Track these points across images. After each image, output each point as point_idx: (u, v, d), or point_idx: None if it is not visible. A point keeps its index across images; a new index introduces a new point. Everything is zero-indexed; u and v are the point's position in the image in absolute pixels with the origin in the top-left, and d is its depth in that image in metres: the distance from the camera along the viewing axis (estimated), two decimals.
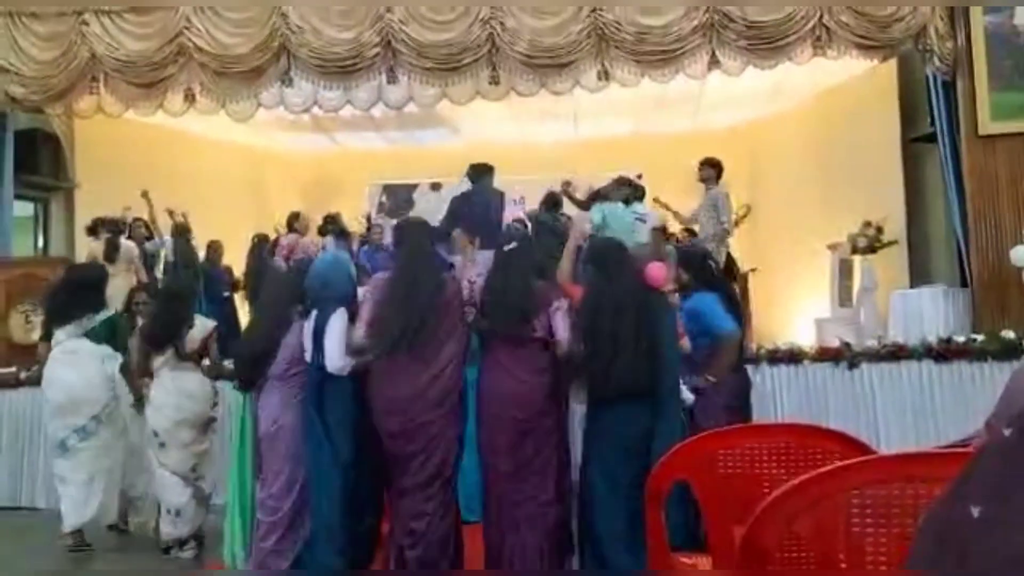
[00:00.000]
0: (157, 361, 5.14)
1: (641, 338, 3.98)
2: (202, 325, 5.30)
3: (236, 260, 9.42)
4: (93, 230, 8.52)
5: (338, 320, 4.09)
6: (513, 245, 4.29)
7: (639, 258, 4.80)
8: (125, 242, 8.52)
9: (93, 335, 5.36)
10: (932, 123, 7.68)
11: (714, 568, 2.48)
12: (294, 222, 9.27)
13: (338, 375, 4.04)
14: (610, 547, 3.80)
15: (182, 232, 9.09)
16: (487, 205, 7.63)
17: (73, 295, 5.46)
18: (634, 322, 4.01)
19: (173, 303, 5.37)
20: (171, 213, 9.07)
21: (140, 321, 5.71)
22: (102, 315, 5.43)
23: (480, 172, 7.91)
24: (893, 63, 8.21)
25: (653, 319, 4.09)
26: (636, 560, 3.47)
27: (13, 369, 7.11)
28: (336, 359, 4.03)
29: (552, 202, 8.02)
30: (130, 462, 5.47)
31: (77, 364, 5.28)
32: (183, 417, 5.06)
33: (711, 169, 8.00)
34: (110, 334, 5.42)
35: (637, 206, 7.52)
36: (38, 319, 7.54)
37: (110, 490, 5.33)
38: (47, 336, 5.50)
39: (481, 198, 7.70)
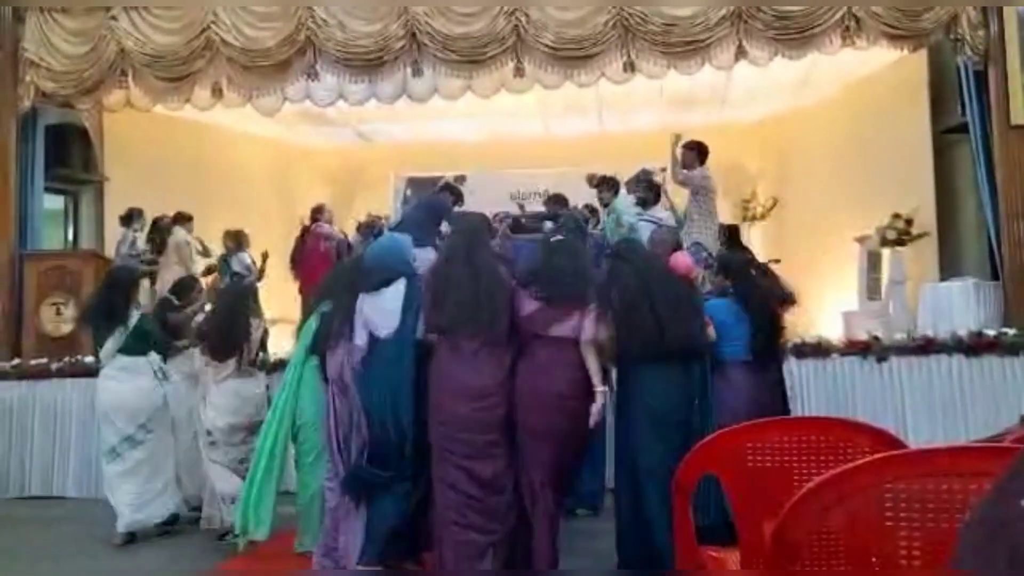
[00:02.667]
0: (220, 372, 5.21)
1: (675, 300, 3.98)
2: (256, 328, 5.35)
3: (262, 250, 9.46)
4: (127, 219, 8.65)
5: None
6: (559, 238, 4.24)
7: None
8: (176, 231, 8.68)
9: (132, 346, 5.44)
10: (963, 114, 7.57)
11: (743, 562, 2.46)
12: (318, 214, 9.30)
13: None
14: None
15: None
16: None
17: (109, 301, 5.53)
18: (666, 288, 4.02)
19: (233, 305, 5.43)
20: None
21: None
22: (132, 321, 5.47)
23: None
24: (923, 53, 8.08)
25: (683, 289, 4.10)
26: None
27: (44, 360, 7.21)
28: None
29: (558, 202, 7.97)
30: (184, 459, 5.61)
31: (129, 378, 5.40)
32: (238, 421, 5.16)
33: (691, 152, 7.39)
34: (144, 337, 5.50)
35: (654, 211, 7.47)
36: (69, 311, 7.73)
37: (163, 490, 5.42)
38: (99, 341, 5.60)
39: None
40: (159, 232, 8.77)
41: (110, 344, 5.42)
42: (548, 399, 3.87)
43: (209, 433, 5.20)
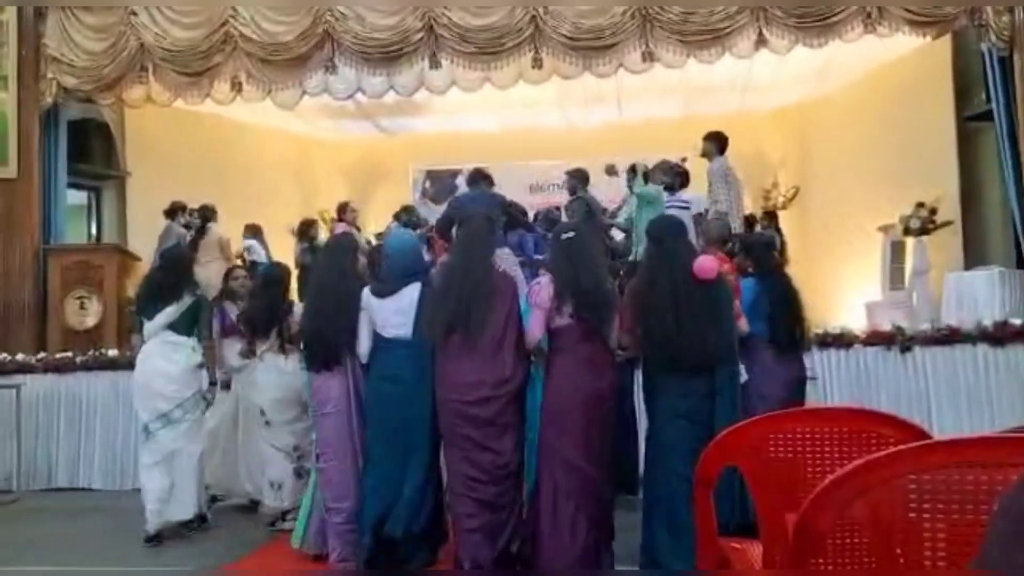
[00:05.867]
0: (262, 346, 5.32)
1: (700, 312, 3.95)
2: (300, 310, 5.39)
3: (280, 244, 9.55)
4: (171, 213, 8.78)
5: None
6: (571, 235, 4.22)
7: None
8: (213, 228, 8.84)
9: (180, 324, 5.42)
10: (988, 100, 7.48)
11: (765, 554, 2.44)
12: (342, 212, 9.36)
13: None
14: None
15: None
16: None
17: (162, 280, 5.55)
18: (693, 297, 3.97)
19: (271, 289, 5.47)
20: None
21: (235, 301, 6.02)
22: (187, 300, 5.45)
23: (475, 179, 7.81)
24: (947, 39, 7.98)
25: (711, 296, 4.06)
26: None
27: (69, 354, 7.28)
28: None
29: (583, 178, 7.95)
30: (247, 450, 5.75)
31: (169, 355, 5.36)
32: (284, 395, 5.21)
33: (709, 143, 7.53)
34: (193, 318, 5.48)
35: (682, 193, 7.45)
36: (92, 305, 7.80)
37: (189, 483, 5.35)
38: (140, 327, 5.58)
39: (474, 205, 7.60)
40: (203, 229, 8.90)
41: (160, 319, 5.36)
42: (583, 397, 3.96)
43: (263, 413, 5.31)
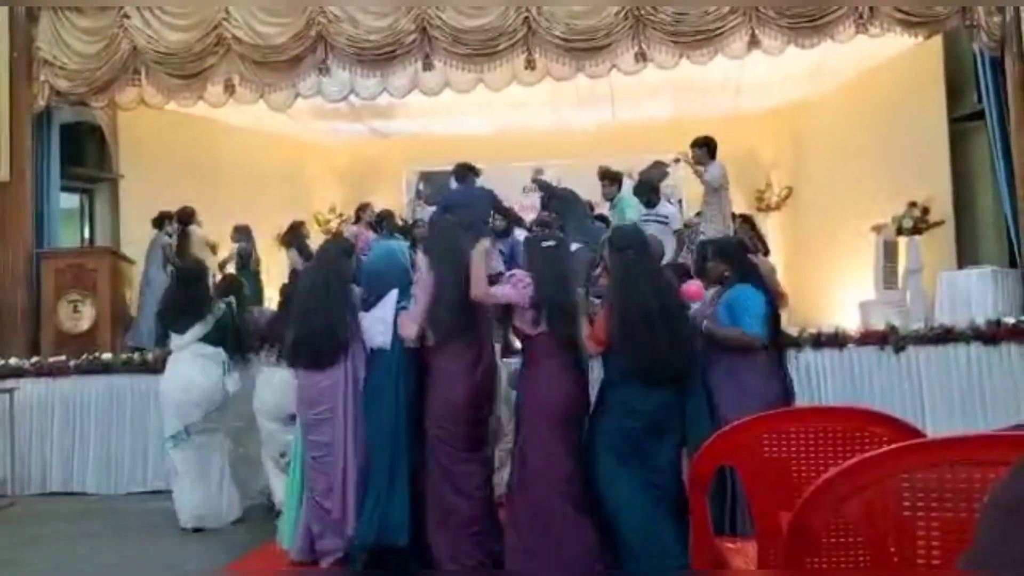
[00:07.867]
0: (271, 355, 5.42)
1: (681, 323, 3.98)
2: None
3: (272, 247, 9.55)
4: (159, 222, 8.75)
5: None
6: (551, 243, 4.25)
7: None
8: (195, 230, 8.84)
9: (210, 336, 5.57)
10: (979, 101, 7.51)
11: (760, 553, 2.45)
12: (361, 213, 9.30)
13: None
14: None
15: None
16: (469, 207, 7.24)
17: (188, 295, 5.68)
18: (677, 309, 4.00)
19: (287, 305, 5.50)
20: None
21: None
22: (216, 314, 5.61)
23: (464, 174, 7.78)
24: (938, 39, 8.02)
25: (679, 303, 4.09)
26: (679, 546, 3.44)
27: (63, 357, 7.26)
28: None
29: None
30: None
31: (202, 366, 5.51)
32: (278, 402, 5.26)
33: (700, 150, 7.30)
34: (223, 329, 5.62)
35: (660, 207, 7.47)
36: (86, 309, 7.79)
37: (226, 485, 5.56)
38: (165, 338, 5.80)
39: (465, 197, 7.56)
40: (184, 232, 8.86)
41: (198, 328, 5.54)
42: (557, 406, 3.97)
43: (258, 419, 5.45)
